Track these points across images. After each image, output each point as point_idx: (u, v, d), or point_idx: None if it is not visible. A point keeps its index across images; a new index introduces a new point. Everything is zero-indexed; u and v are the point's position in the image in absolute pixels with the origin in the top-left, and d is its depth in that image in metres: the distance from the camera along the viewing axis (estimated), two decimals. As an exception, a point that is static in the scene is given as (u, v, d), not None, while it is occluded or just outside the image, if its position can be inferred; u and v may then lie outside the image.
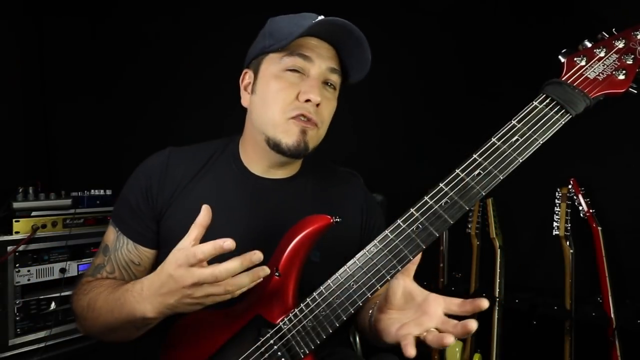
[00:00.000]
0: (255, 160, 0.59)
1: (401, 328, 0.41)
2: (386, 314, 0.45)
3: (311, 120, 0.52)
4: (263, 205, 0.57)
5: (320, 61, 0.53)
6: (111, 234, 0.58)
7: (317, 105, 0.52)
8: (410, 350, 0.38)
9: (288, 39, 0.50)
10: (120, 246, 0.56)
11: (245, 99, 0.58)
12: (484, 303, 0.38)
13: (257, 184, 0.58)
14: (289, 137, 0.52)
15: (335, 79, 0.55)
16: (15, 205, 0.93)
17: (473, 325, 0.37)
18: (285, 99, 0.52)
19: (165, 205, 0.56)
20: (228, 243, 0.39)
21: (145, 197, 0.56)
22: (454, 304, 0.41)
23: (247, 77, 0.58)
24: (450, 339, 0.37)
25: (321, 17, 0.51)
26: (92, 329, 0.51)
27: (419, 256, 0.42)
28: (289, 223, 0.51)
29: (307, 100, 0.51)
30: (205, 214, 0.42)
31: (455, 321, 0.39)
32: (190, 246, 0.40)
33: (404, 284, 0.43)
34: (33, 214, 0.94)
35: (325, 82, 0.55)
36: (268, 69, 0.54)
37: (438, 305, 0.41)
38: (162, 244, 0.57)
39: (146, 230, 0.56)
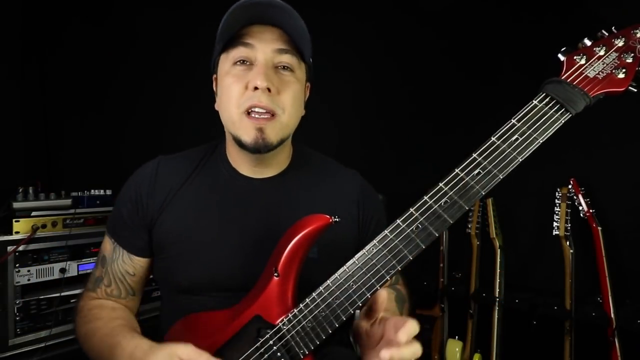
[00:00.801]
0: (240, 161, 0.58)
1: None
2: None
3: (267, 110, 0.50)
4: (255, 205, 0.57)
5: (264, 45, 0.50)
6: (108, 244, 0.59)
7: (270, 91, 0.50)
8: None
9: (227, 34, 0.50)
10: (117, 257, 0.57)
11: (216, 103, 0.58)
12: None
13: (247, 184, 0.58)
14: (246, 135, 0.51)
15: (287, 59, 0.52)
16: (15, 205, 0.93)
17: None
18: (237, 92, 0.51)
19: (156, 213, 0.56)
20: None
21: (136, 208, 0.56)
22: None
23: (215, 82, 0.59)
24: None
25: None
26: (91, 355, 0.53)
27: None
28: (281, 221, 0.51)
29: (256, 88, 0.49)
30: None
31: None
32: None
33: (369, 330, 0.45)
34: (33, 214, 0.94)
35: (278, 66, 0.52)
36: (222, 69, 0.54)
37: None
38: (155, 252, 0.57)
39: (138, 240, 0.57)
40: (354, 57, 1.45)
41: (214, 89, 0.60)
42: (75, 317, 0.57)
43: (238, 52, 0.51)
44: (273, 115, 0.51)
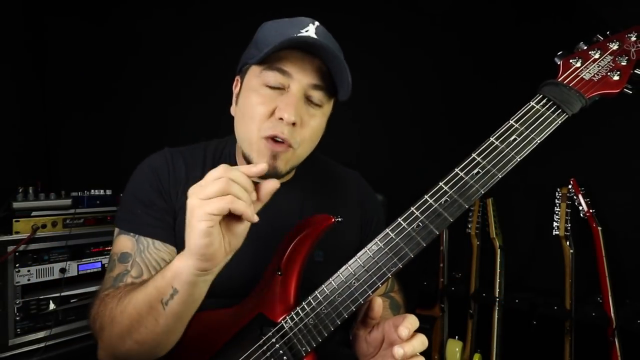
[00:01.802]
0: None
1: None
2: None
3: (285, 142, 0.49)
4: (262, 209, 0.57)
5: (301, 76, 0.49)
6: (126, 241, 0.52)
7: (294, 124, 0.48)
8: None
9: (264, 51, 0.47)
10: (145, 247, 0.52)
11: (232, 108, 0.56)
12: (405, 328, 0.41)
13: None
14: (259, 159, 0.50)
15: (318, 95, 0.51)
16: (15, 205, 0.93)
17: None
18: (261, 116, 0.49)
19: (176, 203, 0.54)
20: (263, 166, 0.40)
21: (159, 193, 0.53)
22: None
23: (237, 85, 0.56)
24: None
25: (307, 30, 0.48)
26: (109, 343, 0.46)
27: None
28: (288, 222, 0.51)
29: (281, 118, 0.48)
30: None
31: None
32: None
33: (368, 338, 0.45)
34: (33, 214, 0.94)
35: (308, 98, 0.51)
36: (250, 82, 0.51)
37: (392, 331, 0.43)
38: (178, 242, 0.53)
39: (165, 224, 0.53)
40: (356, 58, 1.46)
41: (233, 89, 0.57)
42: (92, 314, 0.49)
43: (273, 77, 0.49)
44: (290, 146, 0.50)
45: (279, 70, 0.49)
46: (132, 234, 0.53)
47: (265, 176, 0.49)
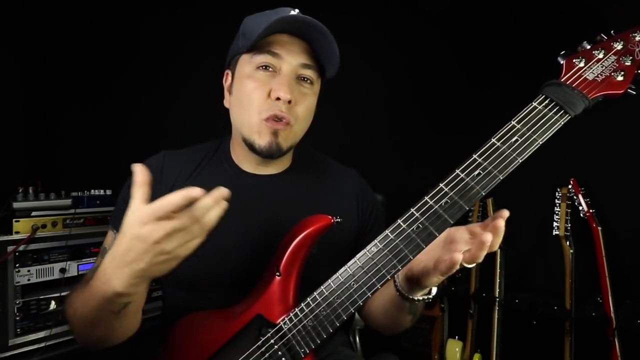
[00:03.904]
0: (245, 158, 0.59)
1: (436, 261, 0.42)
2: (417, 262, 0.45)
3: (284, 119, 0.52)
4: (257, 201, 0.57)
5: (291, 57, 0.52)
6: (109, 237, 0.57)
7: (290, 102, 0.51)
8: (456, 256, 0.39)
9: (253, 38, 0.50)
10: None
11: (226, 100, 0.58)
12: (504, 213, 0.40)
13: (250, 181, 0.58)
14: (261, 139, 0.52)
15: (309, 73, 0.54)
16: (15, 205, 0.93)
17: (488, 236, 0.38)
18: (259, 99, 0.52)
19: None
20: (196, 190, 0.35)
21: None
22: (476, 226, 0.43)
23: (228, 78, 0.59)
24: (486, 238, 0.38)
25: (292, 13, 0.50)
26: (77, 334, 0.48)
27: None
28: (283, 218, 0.51)
29: (278, 98, 0.51)
30: (139, 172, 0.37)
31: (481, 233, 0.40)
32: (146, 204, 0.36)
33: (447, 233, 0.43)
34: (33, 214, 0.94)
35: (300, 78, 0.54)
36: (242, 70, 0.54)
37: (462, 231, 0.43)
38: None
39: None
40: (358, 58, 1.45)
41: (224, 83, 0.59)
42: (67, 310, 0.50)
43: (263, 59, 0.52)
44: (288, 123, 0.53)
45: (270, 53, 0.52)
46: (114, 230, 0.56)
47: (270, 154, 0.52)
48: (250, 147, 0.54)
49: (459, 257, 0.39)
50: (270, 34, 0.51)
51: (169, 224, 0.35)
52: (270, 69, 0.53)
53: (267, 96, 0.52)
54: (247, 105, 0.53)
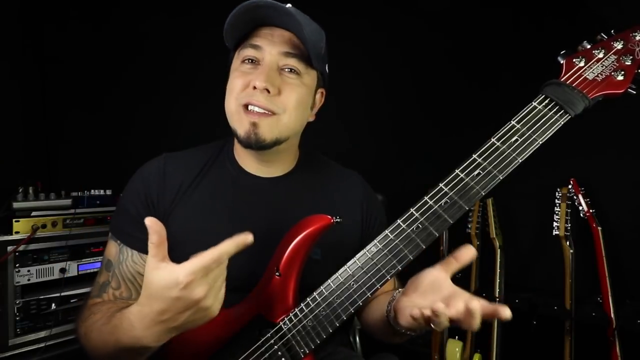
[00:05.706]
0: (246, 159, 0.59)
1: (416, 309, 0.41)
2: (408, 297, 0.44)
3: (264, 109, 0.51)
4: (261, 203, 0.57)
5: (271, 47, 0.52)
6: (112, 247, 0.56)
7: (269, 91, 0.51)
8: (415, 311, 0.39)
9: (231, 33, 0.52)
10: (125, 259, 0.54)
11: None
12: (506, 313, 0.38)
13: (254, 183, 0.58)
14: (240, 128, 0.52)
15: (293, 62, 0.53)
16: (15, 205, 0.93)
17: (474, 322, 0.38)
18: (238, 87, 0.53)
19: (166, 212, 0.55)
20: (250, 238, 0.37)
21: (146, 205, 0.55)
22: (477, 300, 0.40)
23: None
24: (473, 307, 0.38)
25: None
26: (94, 356, 0.48)
27: (470, 254, 0.42)
28: (288, 220, 0.51)
29: (255, 87, 0.51)
30: (155, 231, 0.36)
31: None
32: (178, 265, 0.35)
33: (437, 274, 0.43)
34: (33, 214, 0.94)
35: (284, 68, 0.53)
36: (233, 66, 0.56)
37: (460, 298, 0.40)
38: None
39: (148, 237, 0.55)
40: (360, 58, 1.45)
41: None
42: (77, 322, 0.52)
43: (247, 52, 0.53)
44: (273, 114, 0.52)
45: (251, 46, 0.53)
46: (118, 241, 0.56)
47: (249, 144, 0.52)
48: (237, 137, 0.54)
49: (438, 307, 0.38)
50: (252, 29, 0.52)
51: (209, 278, 0.36)
52: (255, 62, 0.53)
53: (245, 86, 0.53)
54: (228, 95, 0.54)
